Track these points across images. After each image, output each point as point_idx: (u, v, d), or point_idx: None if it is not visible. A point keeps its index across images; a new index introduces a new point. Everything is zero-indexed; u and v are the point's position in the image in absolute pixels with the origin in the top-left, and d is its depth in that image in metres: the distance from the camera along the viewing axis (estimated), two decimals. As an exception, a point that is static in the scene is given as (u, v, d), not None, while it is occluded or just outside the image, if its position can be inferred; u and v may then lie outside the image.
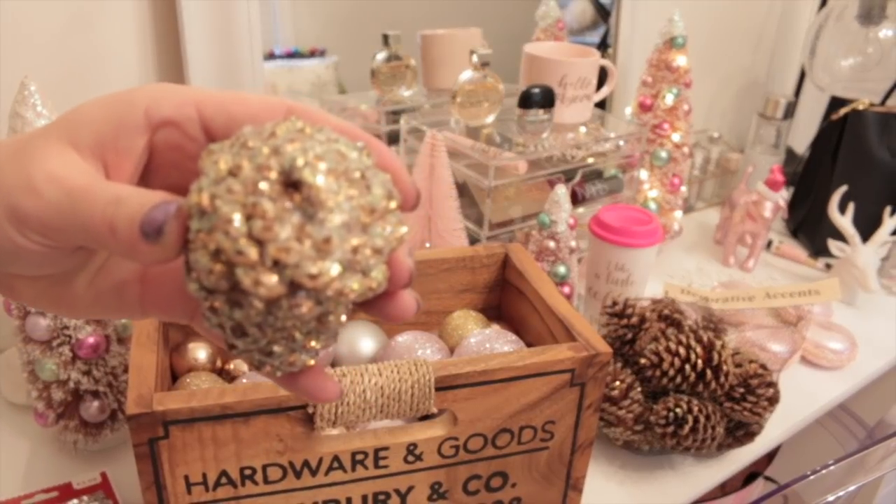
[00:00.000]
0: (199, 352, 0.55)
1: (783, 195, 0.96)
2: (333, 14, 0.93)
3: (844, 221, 0.91)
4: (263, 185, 0.21)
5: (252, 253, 0.20)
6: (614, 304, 0.66)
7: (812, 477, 0.52)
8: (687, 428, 0.59)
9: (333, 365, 0.56)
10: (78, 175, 0.24)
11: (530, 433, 0.50)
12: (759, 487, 0.98)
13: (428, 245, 0.75)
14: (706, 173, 1.17)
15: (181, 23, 0.70)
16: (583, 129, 0.90)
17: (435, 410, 0.46)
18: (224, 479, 0.44)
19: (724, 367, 0.60)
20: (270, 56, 0.87)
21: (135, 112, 0.25)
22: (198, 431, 0.42)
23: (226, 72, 0.73)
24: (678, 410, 0.60)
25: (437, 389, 0.45)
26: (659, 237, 0.76)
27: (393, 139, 0.89)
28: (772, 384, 0.63)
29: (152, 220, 0.22)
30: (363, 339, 0.58)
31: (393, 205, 0.23)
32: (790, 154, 1.21)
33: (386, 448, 0.47)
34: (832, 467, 0.52)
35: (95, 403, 0.59)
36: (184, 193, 0.23)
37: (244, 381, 0.53)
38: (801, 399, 0.74)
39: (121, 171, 0.26)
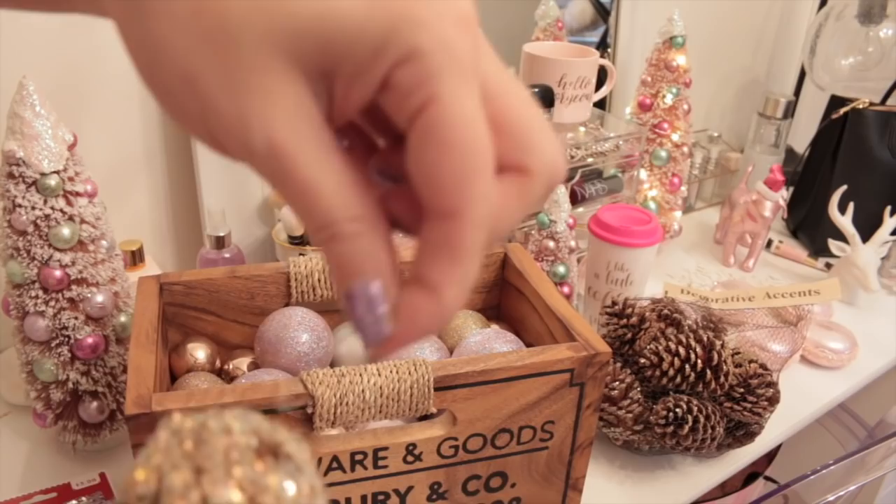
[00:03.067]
0: (198, 352, 0.55)
1: (783, 195, 0.96)
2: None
3: (844, 221, 0.91)
4: None
5: None
6: (614, 304, 0.66)
7: (812, 477, 0.52)
8: (686, 428, 0.59)
9: (332, 365, 0.56)
10: (304, 151, 0.19)
11: (530, 433, 0.50)
12: (759, 487, 0.98)
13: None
14: (706, 173, 1.17)
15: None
16: (582, 129, 0.90)
17: (434, 410, 0.46)
18: (223, 480, 0.44)
19: (724, 367, 0.60)
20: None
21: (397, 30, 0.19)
22: (196, 432, 0.42)
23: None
24: (678, 410, 0.59)
25: (437, 389, 0.45)
26: (658, 237, 0.76)
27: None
28: (772, 384, 0.63)
29: (359, 299, 0.21)
30: (362, 340, 0.58)
31: None
32: (790, 153, 1.21)
33: (385, 448, 0.46)
34: (832, 467, 0.52)
35: (94, 404, 0.59)
36: None
37: (243, 381, 0.53)
38: (801, 399, 0.74)
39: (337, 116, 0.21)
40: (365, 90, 0.19)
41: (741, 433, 0.64)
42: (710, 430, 0.60)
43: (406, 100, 0.19)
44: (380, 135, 0.23)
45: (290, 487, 0.19)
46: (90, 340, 0.56)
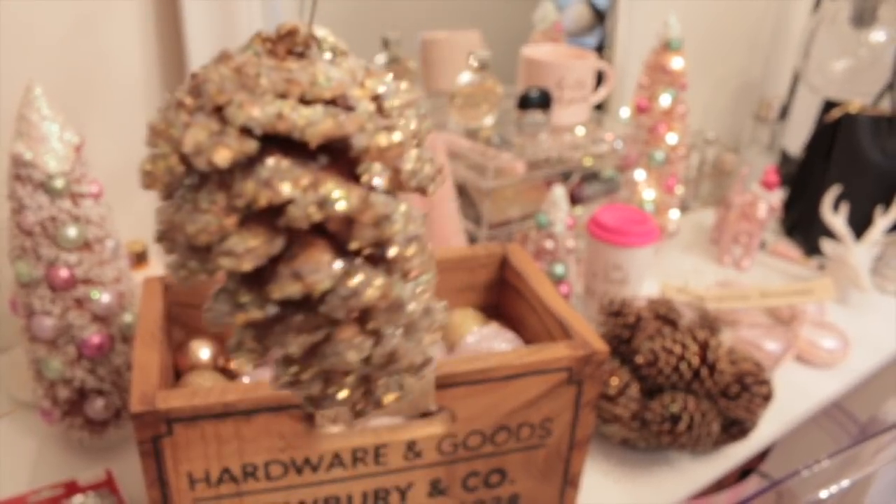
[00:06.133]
0: (202, 350, 0.56)
1: (778, 195, 0.97)
2: (334, 15, 0.93)
3: (837, 221, 0.92)
4: None
5: None
6: (611, 303, 0.67)
7: (805, 473, 0.53)
8: (683, 426, 0.60)
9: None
10: None
11: (528, 430, 0.51)
12: (753, 483, 0.99)
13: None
14: (702, 174, 1.18)
15: (183, 24, 0.70)
16: (580, 131, 0.91)
17: (434, 408, 0.47)
18: (226, 476, 0.45)
19: (719, 365, 0.61)
20: (271, 58, 0.87)
21: None
22: (200, 429, 0.43)
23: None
24: (674, 408, 0.60)
25: (437, 387, 0.46)
26: (655, 237, 0.77)
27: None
28: (766, 382, 0.64)
29: None
30: (363, 338, 0.59)
31: None
32: (784, 155, 1.22)
33: (386, 445, 0.47)
34: (825, 463, 0.53)
35: (100, 401, 0.59)
36: None
37: (246, 379, 0.54)
38: (794, 396, 0.75)
39: None
40: None
41: (736, 430, 0.65)
42: (705, 428, 0.61)
43: None
44: None
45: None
46: (96, 339, 0.57)
